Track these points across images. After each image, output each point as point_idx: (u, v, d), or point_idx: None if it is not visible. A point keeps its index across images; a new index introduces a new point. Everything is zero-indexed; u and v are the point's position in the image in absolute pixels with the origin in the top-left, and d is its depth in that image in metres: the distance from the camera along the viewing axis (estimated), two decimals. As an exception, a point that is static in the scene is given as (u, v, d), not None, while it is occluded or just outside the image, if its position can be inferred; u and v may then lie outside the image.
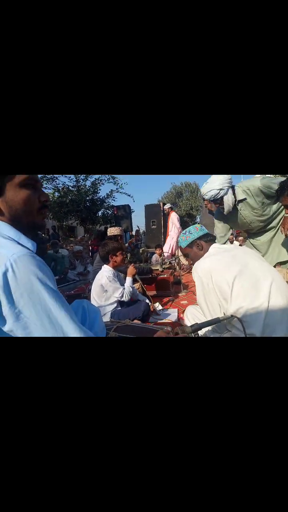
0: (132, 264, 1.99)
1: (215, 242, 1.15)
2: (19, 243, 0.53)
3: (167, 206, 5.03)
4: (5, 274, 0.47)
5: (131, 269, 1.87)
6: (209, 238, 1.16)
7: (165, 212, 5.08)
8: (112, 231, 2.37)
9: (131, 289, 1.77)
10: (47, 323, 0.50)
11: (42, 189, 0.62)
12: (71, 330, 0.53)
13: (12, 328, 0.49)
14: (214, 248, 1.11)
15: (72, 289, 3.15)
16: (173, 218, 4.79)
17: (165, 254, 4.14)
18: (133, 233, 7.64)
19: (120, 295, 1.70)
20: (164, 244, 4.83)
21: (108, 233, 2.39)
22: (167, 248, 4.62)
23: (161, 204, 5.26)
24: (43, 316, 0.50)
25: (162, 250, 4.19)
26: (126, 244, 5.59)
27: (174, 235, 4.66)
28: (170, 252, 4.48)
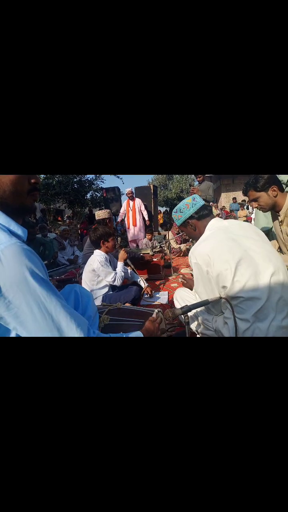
0: (123, 249, 1.98)
1: (214, 217, 0.99)
2: (9, 230, 0.52)
3: (128, 190, 4.27)
4: None
5: (122, 253, 1.86)
6: (204, 213, 1.00)
7: (128, 196, 4.23)
8: (100, 214, 2.31)
9: (123, 274, 1.78)
10: (37, 313, 0.51)
11: None
12: (62, 318, 0.54)
13: (2, 316, 0.49)
14: (211, 226, 0.97)
15: (62, 273, 3.13)
16: (141, 205, 4.26)
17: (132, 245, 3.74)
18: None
19: (112, 279, 1.71)
20: (128, 234, 4.27)
21: (96, 217, 2.33)
22: (137, 235, 4.13)
23: (127, 190, 4.34)
24: (33, 306, 0.50)
25: (152, 235, 4.15)
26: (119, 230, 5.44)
27: (142, 224, 4.24)
28: (146, 238, 4.13)
